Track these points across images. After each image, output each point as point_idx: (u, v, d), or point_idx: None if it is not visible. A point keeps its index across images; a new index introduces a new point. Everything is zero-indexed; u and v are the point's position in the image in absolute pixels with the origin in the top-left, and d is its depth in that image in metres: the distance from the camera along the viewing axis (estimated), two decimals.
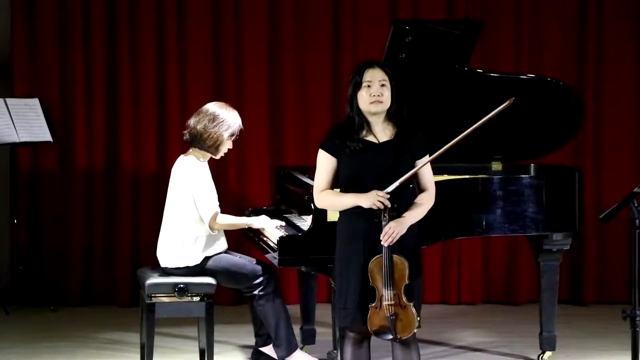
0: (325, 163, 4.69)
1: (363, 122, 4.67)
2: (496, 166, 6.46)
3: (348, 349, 4.74)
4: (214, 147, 5.80)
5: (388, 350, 4.78)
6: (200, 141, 5.79)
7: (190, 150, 5.85)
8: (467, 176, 6.01)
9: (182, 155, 5.88)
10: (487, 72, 6.27)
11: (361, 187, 4.61)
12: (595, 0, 7.98)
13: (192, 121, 5.83)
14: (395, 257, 4.55)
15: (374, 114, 4.66)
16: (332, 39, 7.97)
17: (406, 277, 4.56)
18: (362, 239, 4.62)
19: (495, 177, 5.92)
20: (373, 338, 4.77)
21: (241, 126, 5.91)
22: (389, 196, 4.54)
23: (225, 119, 5.82)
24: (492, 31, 7.74)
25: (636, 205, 4.55)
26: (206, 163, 5.84)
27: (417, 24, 6.14)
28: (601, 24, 8.01)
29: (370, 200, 4.55)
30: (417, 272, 4.67)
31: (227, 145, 5.85)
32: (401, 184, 4.58)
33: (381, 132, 4.69)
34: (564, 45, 8.03)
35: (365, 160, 4.63)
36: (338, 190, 4.72)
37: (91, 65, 7.86)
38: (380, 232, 4.56)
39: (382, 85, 4.65)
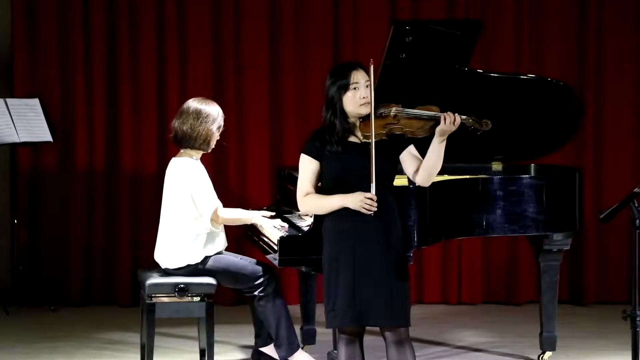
0: (307, 167, 4.70)
1: (347, 124, 4.66)
2: (496, 166, 6.45)
3: (342, 349, 4.75)
4: (206, 143, 5.79)
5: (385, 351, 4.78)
6: (189, 141, 5.78)
7: (182, 151, 5.85)
8: (467, 176, 6.00)
9: (174, 157, 5.87)
10: (487, 72, 6.27)
11: (347, 188, 4.62)
12: (595, 0, 7.98)
13: (176, 123, 5.82)
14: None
15: (359, 115, 4.65)
16: (332, 39, 7.97)
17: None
18: (350, 239, 4.62)
19: (495, 177, 5.92)
20: (366, 338, 4.78)
21: (223, 115, 5.88)
22: (376, 197, 4.55)
23: (209, 113, 5.79)
24: (492, 31, 7.74)
25: (636, 205, 4.55)
26: (199, 160, 5.84)
27: (417, 24, 6.13)
28: (601, 24, 8.01)
29: (357, 204, 4.56)
30: (405, 275, 4.67)
31: (215, 138, 5.84)
32: (382, 181, 4.58)
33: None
34: (564, 45, 8.03)
35: (349, 161, 4.63)
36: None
37: (91, 65, 7.86)
38: (367, 231, 4.59)
39: (367, 86, 4.64)
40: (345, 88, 4.63)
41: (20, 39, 7.83)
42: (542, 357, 6.28)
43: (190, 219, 5.74)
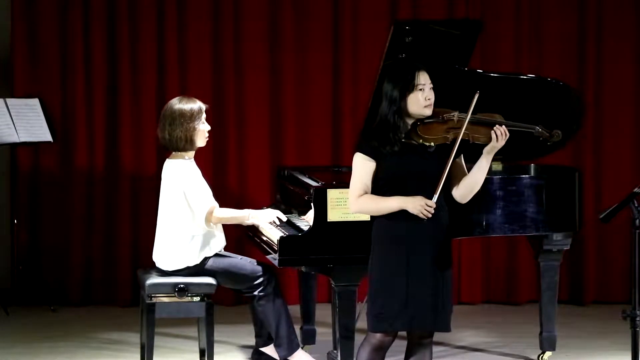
0: (363, 167, 4.57)
1: (405, 125, 4.58)
2: (496, 166, 6.45)
3: (365, 353, 4.65)
4: (189, 144, 5.74)
5: (394, 353, 4.76)
6: (171, 145, 5.76)
7: (173, 153, 5.84)
8: None
9: (168, 159, 5.86)
10: (487, 72, 6.27)
11: (404, 190, 4.52)
12: (595, 0, 7.99)
13: (158, 130, 5.81)
14: None
15: (423, 115, 4.57)
16: (332, 39, 7.97)
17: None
18: (404, 243, 4.53)
19: (495, 177, 5.92)
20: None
21: (202, 107, 5.78)
22: (435, 205, 4.49)
23: (183, 113, 5.72)
24: (492, 31, 7.74)
25: (636, 205, 4.55)
26: (192, 160, 5.81)
27: (417, 24, 6.13)
28: (601, 24, 8.01)
29: (417, 208, 4.47)
30: (449, 263, 4.61)
31: (201, 133, 5.76)
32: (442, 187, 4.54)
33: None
34: (564, 45, 8.03)
35: (408, 162, 4.54)
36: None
37: (91, 65, 7.86)
38: (421, 235, 4.52)
39: (431, 88, 4.60)
40: (411, 89, 4.56)
41: (20, 39, 7.83)
42: (542, 357, 6.28)
43: (186, 220, 5.72)
